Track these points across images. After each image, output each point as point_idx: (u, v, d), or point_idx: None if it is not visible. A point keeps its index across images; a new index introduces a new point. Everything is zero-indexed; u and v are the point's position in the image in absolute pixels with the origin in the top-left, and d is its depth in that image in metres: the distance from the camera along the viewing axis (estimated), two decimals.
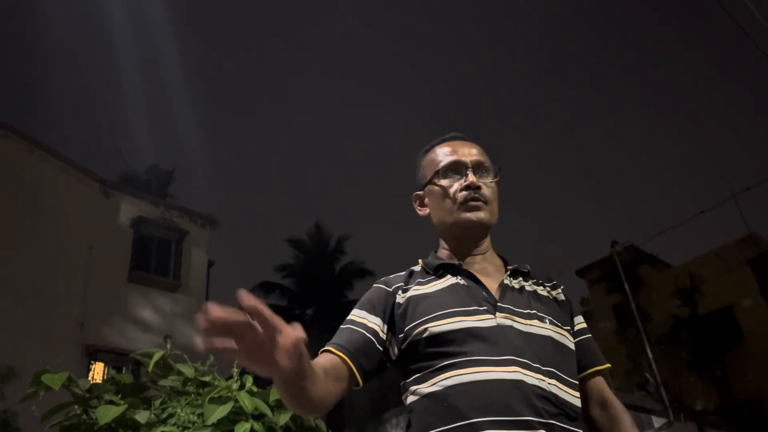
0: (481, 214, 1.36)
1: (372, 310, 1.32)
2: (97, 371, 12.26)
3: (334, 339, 1.30)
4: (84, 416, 2.51)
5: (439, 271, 1.36)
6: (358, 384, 1.25)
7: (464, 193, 1.36)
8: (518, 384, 1.13)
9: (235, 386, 2.55)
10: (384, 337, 1.29)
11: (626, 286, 13.48)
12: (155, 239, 14.76)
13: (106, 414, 2.34)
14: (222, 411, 2.38)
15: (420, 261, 1.44)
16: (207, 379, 2.66)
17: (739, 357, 15.53)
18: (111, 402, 2.48)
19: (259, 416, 2.50)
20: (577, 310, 1.42)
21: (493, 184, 1.41)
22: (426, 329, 1.23)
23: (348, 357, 1.25)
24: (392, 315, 1.31)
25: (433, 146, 1.49)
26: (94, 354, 12.42)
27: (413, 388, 1.23)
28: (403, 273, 1.41)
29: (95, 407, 2.46)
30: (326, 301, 19.28)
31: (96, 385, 2.65)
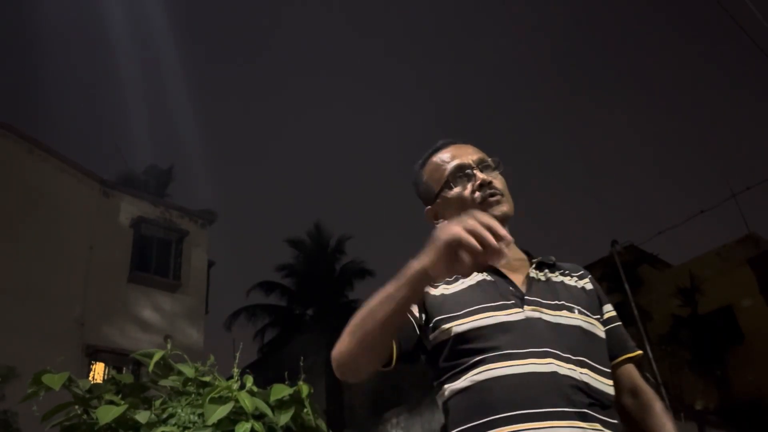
0: (503, 208, 1.37)
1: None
2: (98, 371, 12.26)
3: None
4: (84, 416, 2.51)
5: None
6: (390, 362, 1.25)
7: (479, 193, 1.37)
8: (550, 375, 1.14)
9: (235, 386, 2.55)
10: (420, 323, 1.29)
11: (626, 286, 13.49)
12: (155, 239, 14.75)
13: (107, 414, 2.34)
14: (222, 411, 2.38)
15: None
16: (207, 379, 2.66)
17: (739, 356, 15.54)
18: (111, 402, 2.48)
19: (259, 416, 2.50)
20: (605, 298, 1.42)
21: (500, 177, 1.42)
22: (454, 327, 1.23)
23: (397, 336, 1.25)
24: (424, 308, 1.31)
25: (428, 158, 1.48)
26: (94, 354, 12.42)
27: (446, 386, 1.24)
28: None
29: (96, 407, 2.47)
30: (326, 301, 19.28)
31: (96, 385, 2.66)
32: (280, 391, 2.57)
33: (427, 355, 1.29)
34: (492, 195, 1.37)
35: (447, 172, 1.41)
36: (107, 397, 2.54)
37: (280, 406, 2.57)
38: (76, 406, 2.54)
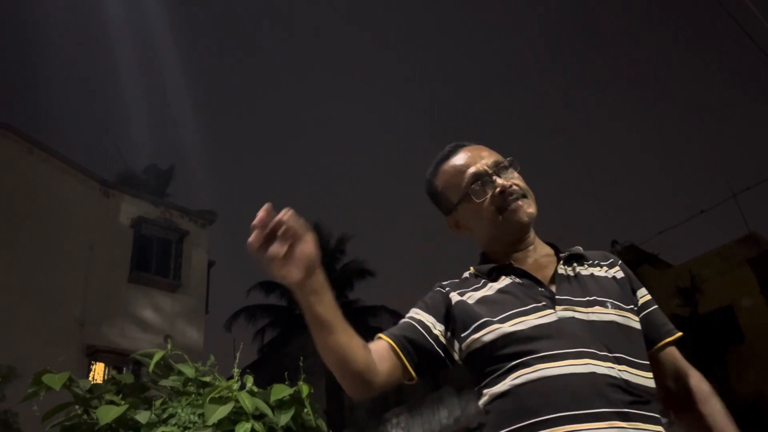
0: (529, 210, 1.35)
1: (426, 309, 1.33)
2: (98, 371, 12.27)
3: (389, 330, 1.31)
4: (85, 416, 2.51)
5: (492, 273, 1.34)
6: (411, 376, 1.26)
7: (499, 197, 1.34)
8: (588, 376, 1.13)
9: (235, 386, 2.55)
10: (438, 333, 1.29)
11: None
12: (155, 239, 14.76)
13: (107, 414, 2.34)
14: (222, 411, 2.38)
15: (471, 267, 1.41)
16: (207, 379, 2.66)
17: (740, 356, 15.52)
18: (112, 402, 2.48)
19: (259, 416, 2.50)
20: (638, 282, 1.39)
21: (518, 175, 1.39)
22: (488, 333, 1.23)
23: (395, 343, 1.26)
24: (448, 316, 1.30)
25: (439, 165, 1.44)
26: (94, 354, 12.43)
27: (485, 391, 1.24)
28: (456, 280, 1.39)
29: (96, 407, 2.47)
30: None
31: (96, 385, 2.66)
32: (281, 391, 2.57)
33: (464, 361, 1.28)
34: (513, 200, 1.33)
35: (463, 184, 1.37)
36: (107, 397, 2.54)
37: (281, 406, 2.57)
38: (77, 406, 2.54)
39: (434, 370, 1.31)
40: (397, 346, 1.26)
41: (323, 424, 2.75)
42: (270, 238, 1.07)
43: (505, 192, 1.33)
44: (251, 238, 1.06)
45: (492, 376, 1.22)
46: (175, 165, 19.17)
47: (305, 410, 2.66)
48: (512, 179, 1.36)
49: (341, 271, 20.48)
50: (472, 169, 1.37)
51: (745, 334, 15.96)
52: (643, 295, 1.38)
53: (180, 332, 13.64)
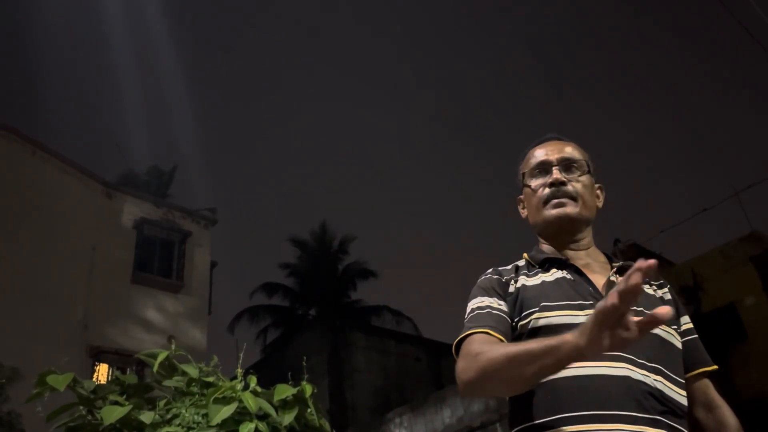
0: (567, 210, 1.37)
1: (498, 296, 1.34)
2: (102, 372, 12.29)
3: (484, 322, 1.28)
4: (89, 417, 2.51)
5: (545, 264, 1.37)
6: None
7: (548, 191, 1.39)
8: (624, 380, 1.14)
9: (239, 386, 2.56)
10: (508, 311, 1.31)
11: None
12: (158, 240, 14.78)
13: (111, 414, 2.35)
14: (226, 411, 2.39)
15: (525, 255, 1.45)
16: (211, 379, 2.67)
17: (743, 355, 15.50)
18: (116, 403, 2.49)
19: (263, 416, 2.50)
20: (683, 310, 1.42)
21: (583, 179, 1.41)
22: (533, 320, 1.24)
23: (499, 334, 1.26)
24: (505, 298, 1.33)
25: (531, 149, 1.50)
26: (98, 355, 12.45)
27: None
28: (508, 266, 1.43)
29: (100, 408, 2.47)
30: (329, 302, 19.27)
31: (100, 385, 2.66)
32: (284, 391, 2.57)
33: None
34: (558, 196, 1.37)
35: (530, 167, 1.45)
36: (111, 397, 2.55)
37: (284, 406, 2.57)
38: (81, 407, 2.54)
39: None
40: (504, 337, 1.26)
41: (326, 424, 2.76)
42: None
43: (555, 185, 1.38)
44: (627, 290, 0.91)
45: None
46: (177, 166, 19.23)
47: (308, 410, 2.66)
48: (573, 179, 1.40)
49: (344, 271, 20.47)
50: (541, 157, 1.44)
51: (748, 332, 15.93)
52: (687, 322, 1.41)
53: (183, 333, 13.66)
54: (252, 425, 2.40)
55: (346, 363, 17.05)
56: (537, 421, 1.17)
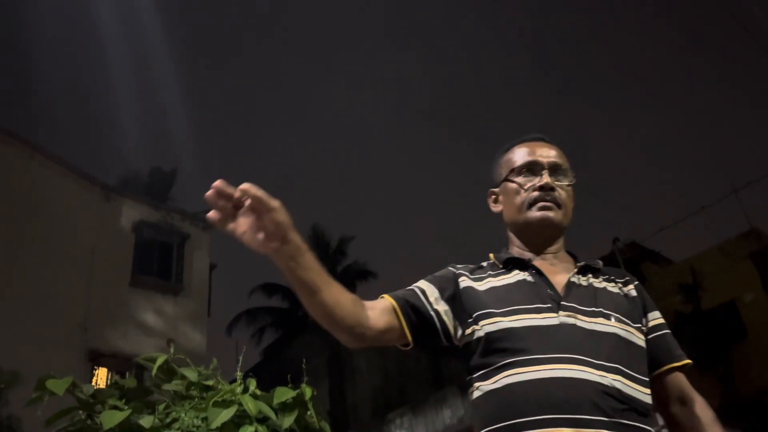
0: (550, 214, 1.37)
1: (433, 283, 1.36)
2: (101, 376, 12.27)
3: (397, 292, 1.34)
4: (88, 421, 2.51)
5: (509, 265, 1.38)
6: (407, 341, 1.29)
7: (537, 193, 1.38)
8: (580, 382, 1.14)
9: (238, 389, 2.55)
10: (440, 309, 1.32)
11: None
12: (157, 243, 14.76)
13: (111, 419, 2.34)
14: (226, 415, 2.38)
15: (491, 255, 1.45)
16: (210, 382, 2.66)
17: (743, 352, 15.51)
18: (115, 407, 2.48)
19: (263, 419, 2.50)
20: (652, 305, 1.41)
21: (569, 188, 1.42)
22: (489, 325, 1.25)
23: (398, 304, 1.29)
24: (455, 296, 1.33)
25: (513, 145, 1.50)
26: (97, 359, 12.43)
27: (477, 384, 1.25)
28: (472, 265, 1.44)
29: (99, 412, 2.47)
30: None
31: (100, 390, 2.66)
32: (284, 393, 2.57)
33: (463, 348, 1.30)
34: (546, 201, 1.37)
35: (518, 164, 1.43)
36: (111, 401, 2.54)
37: (284, 408, 2.57)
38: (80, 411, 2.54)
39: (429, 341, 1.33)
40: (399, 307, 1.29)
41: (327, 426, 2.75)
42: (235, 210, 1.09)
43: (545, 188, 1.38)
44: (210, 214, 1.08)
45: (485, 370, 1.23)
46: (176, 168, 19.18)
47: (309, 412, 2.66)
48: (561, 186, 1.40)
49: (343, 272, 20.47)
50: (532, 157, 1.43)
51: (748, 330, 15.94)
52: (656, 317, 1.39)
53: (182, 336, 13.63)
54: (252, 428, 2.40)
55: (346, 364, 17.04)
56: (495, 426, 1.17)
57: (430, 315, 1.30)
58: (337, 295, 1.20)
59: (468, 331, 1.28)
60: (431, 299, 1.32)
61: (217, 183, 1.08)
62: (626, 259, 14.53)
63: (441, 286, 1.35)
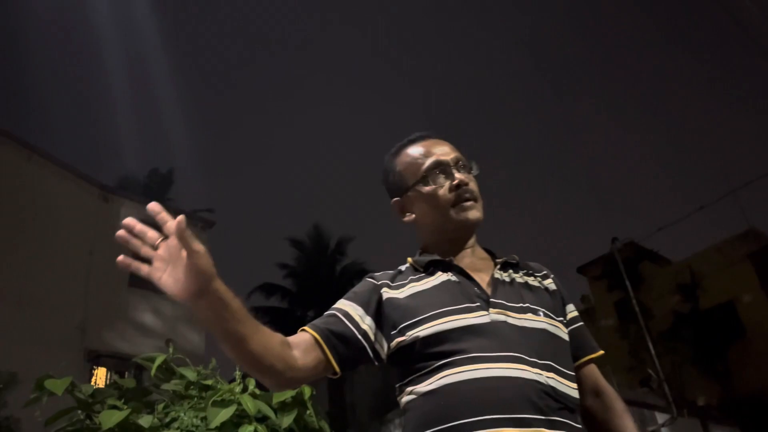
0: (477, 213, 1.35)
1: (355, 300, 1.32)
2: (100, 376, 12.26)
3: (317, 321, 1.30)
4: (87, 421, 2.51)
5: (430, 268, 1.34)
6: (335, 371, 1.25)
7: (455, 193, 1.34)
8: (516, 380, 1.12)
9: (237, 389, 2.55)
10: (366, 328, 1.27)
11: (627, 283, 13.48)
12: None
13: (110, 419, 2.34)
14: (225, 414, 2.38)
15: (409, 259, 1.41)
16: (209, 382, 2.66)
17: (741, 351, 15.54)
18: (114, 407, 2.48)
19: (262, 419, 2.50)
20: (568, 297, 1.40)
21: (474, 179, 1.39)
22: (419, 330, 1.21)
23: (320, 336, 1.24)
24: (379, 310, 1.29)
25: (402, 149, 1.44)
26: (96, 359, 12.42)
27: (410, 388, 1.22)
28: (391, 271, 1.39)
29: (98, 412, 2.47)
30: (327, 303, 19.06)
31: (99, 390, 2.66)
32: (283, 393, 2.57)
33: (391, 357, 1.26)
34: (467, 199, 1.34)
35: (424, 167, 1.37)
36: (110, 401, 2.54)
37: (283, 408, 2.57)
38: (79, 411, 2.54)
39: (359, 365, 1.29)
40: (322, 339, 1.24)
41: (326, 426, 2.75)
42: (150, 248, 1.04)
43: (461, 186, 1.34)
44: (119, 258, 1.03)
45: (419, 374, 1.20)
46: (174, 169, 19.20)
47: (308, 412, 2.66)
48: (469, 180, 1.37)
49: (342, 272, 20.47)
50: (435, 157, 1.38)
51: (746, 329, 15.97)
52: (572, 310, 1.39)
53: (181, 336, 13.62)
54: (251, 428, 2.40)
55: None
56: (437, 428, 1.12)
57: (357, 338, 1.25)
58: (265, 342, 1.16)
59: (393, 344, 1.24)
60: (356, 319, 1.27)
61: (128, 220, 1.03)
62: (625, 259, 14.52)
63: (363, 301, 1.30)
